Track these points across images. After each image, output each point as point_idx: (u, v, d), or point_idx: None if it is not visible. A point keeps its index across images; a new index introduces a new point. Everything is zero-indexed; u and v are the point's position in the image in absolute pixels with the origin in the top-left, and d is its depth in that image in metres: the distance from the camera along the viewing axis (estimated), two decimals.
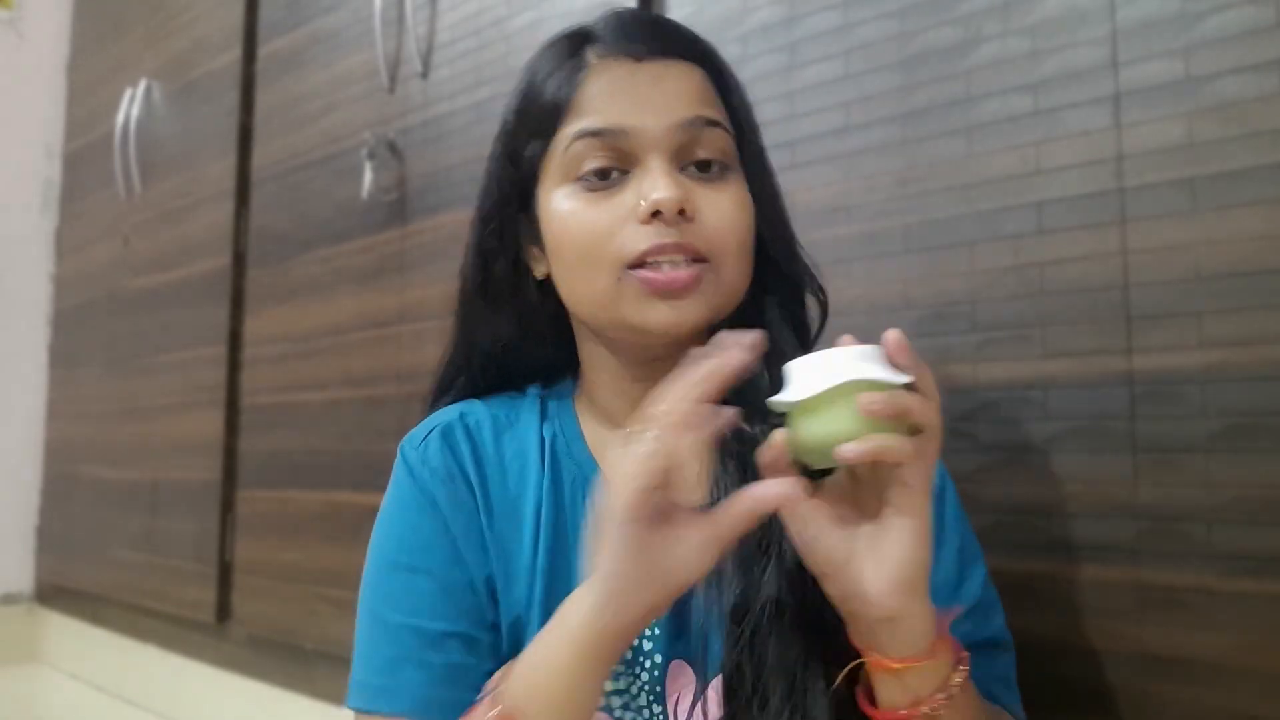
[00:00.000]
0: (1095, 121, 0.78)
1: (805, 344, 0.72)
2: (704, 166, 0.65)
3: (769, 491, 0.54)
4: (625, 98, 0.65)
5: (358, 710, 0.68)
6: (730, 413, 0.54)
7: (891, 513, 0.55)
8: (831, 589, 0.57)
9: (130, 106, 2.02)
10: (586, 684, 0.56)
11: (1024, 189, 0.82)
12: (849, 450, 0.52)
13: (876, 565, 0.54)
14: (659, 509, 0.53)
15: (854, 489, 0.57)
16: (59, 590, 2.24)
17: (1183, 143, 0.74)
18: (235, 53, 1.77)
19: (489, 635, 0.68)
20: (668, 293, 0.63)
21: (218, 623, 1.66)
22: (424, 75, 1.40)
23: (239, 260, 1.73)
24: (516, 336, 0.72)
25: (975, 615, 0.68)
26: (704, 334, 0.69)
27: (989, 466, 0.83)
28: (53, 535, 2.27)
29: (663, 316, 0.63)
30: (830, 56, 0.95)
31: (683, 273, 0.63)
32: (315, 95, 1.60)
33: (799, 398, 0.54)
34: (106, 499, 2.04)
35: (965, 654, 0.59)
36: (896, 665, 0.56)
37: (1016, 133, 0.82)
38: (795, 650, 0.61)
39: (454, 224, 1.34)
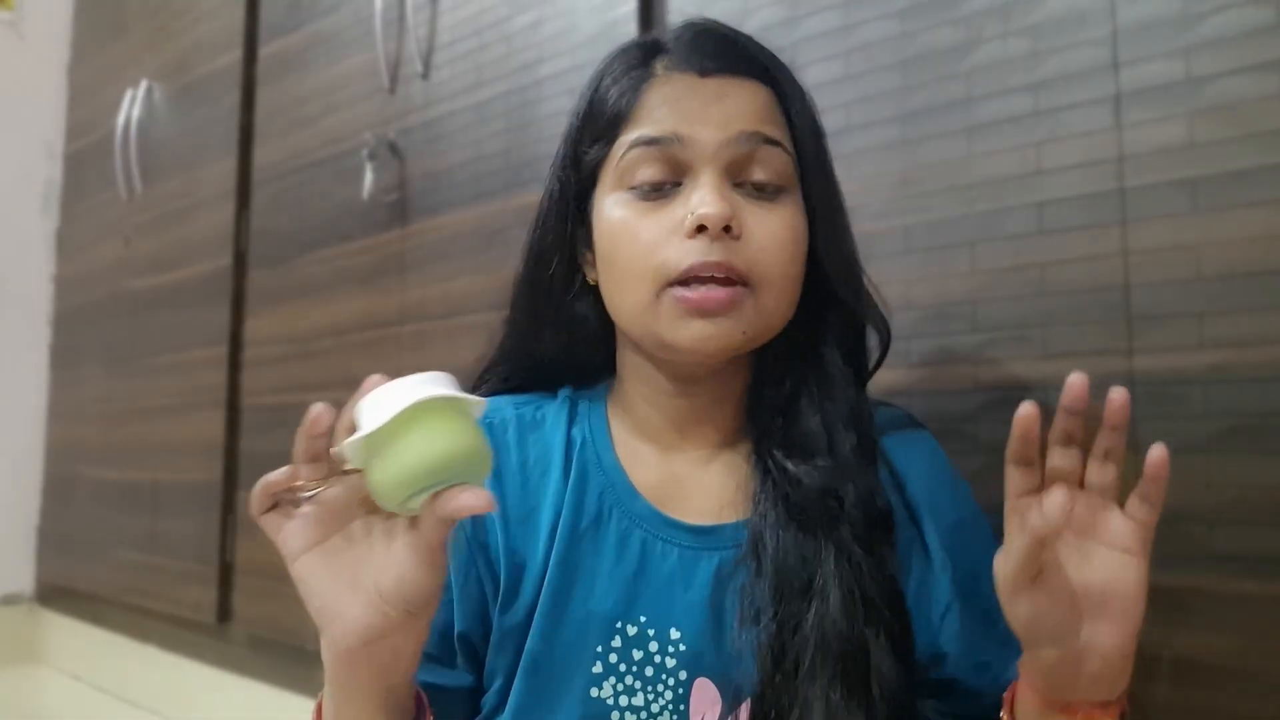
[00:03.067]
0: (1096, 122, 0.78)
1: (861, 377, 0.71)
2: (759, 187, 0.65)
3: (463, 501, 0.49)
4: (684, 109, 0.65)
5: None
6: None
7: (1114, 556, 0.54)
8: (1051, 658, 0.55)
9: (131, 107, 2.02)
10: (348, 709, 0.56)
11: (1024, 189, 0.82)
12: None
13: (1108, 621, 0.53)
14: (326, 545, 0.52)
15: (1055, 554, 0.55)
16: (59, 590, 2.24)
17: (1183, 143, 0.74)
18: (236, 54, 1.77)
19: (481, 631, 0.68)
20: (703, 311, 0.62)
21: (218, 623, 1.66)
22: (424, 76, 1.40)
23: (240, 261, 1.73)
24: (564, 340, 0.72)
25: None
26: (745, 359, 0.70)
27: (989, 466, 0.82)
28: (53, 535, 2.27)
29: (693, 334, 0.63)
30: (831, 57, 0.95)
31: (720, 293, 0.62)
32: (316, 96, 1.60)
33: (362, 435, 0.49)
34: (107, 499, 2.04)
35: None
36: (1116, 709, 0.55)
37: (1017, 133, 0.82)
38: (838, 686, 0.60)
39: (454, 225, 1.34)
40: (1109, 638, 0.53)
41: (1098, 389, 0.79)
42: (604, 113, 0.67)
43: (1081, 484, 0.55)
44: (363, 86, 1.50)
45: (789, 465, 0.66)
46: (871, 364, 0.74)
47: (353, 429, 0.50)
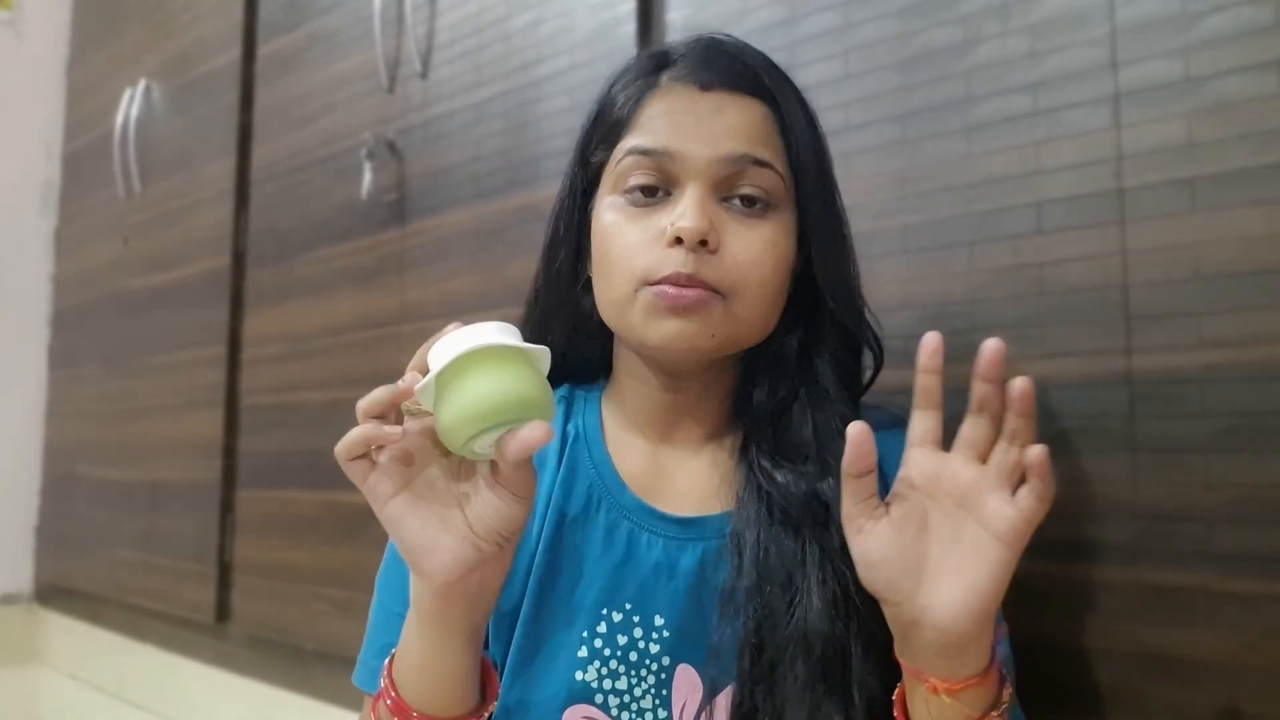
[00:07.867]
0: (1095, 121, 0.78)
1: (854, 394, 0.73)
2: (748, 202, 0.67)
3: (524, 437, 0.53)
4: (679, 122, 0.67)
5: (359, 687, 0.72)
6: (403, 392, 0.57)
7: (983, 536, 0.54)
8: (893, 613, 0.57)
9: (130, 106, 2.02)
10: (438, 650, 0.59)
11: (1024, 189, 0.82)
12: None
13: (949, 590, 0.54)
14: (411, 488, 0.57)
15: (925, 508, 0.57)
16: (59, 590, 2.24)
17: (1182, 143, 0.74)
18: (235, 53, 1.77)
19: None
20: (674, 308, 0.64)
21: (217, 623, 1.66)
22: (423, 75, 1.40)
23: (238, 260, 1.73)
24: (570, 332, 0.75)
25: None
26: (731, 360, 0.72)
27: None
28: (53, 535, 2.27)
29: (664, 332, 0.65)
30: (830, 56, 0.95)
31: (690, 292, 0.64)
32: (315, 95, 1.60)
33: (430, 377, 0.53)
34: (106, 499, 2.03)
35: (1003, 668, 0.59)
36: (958, 687, 0.56)
37: (1016, 133, 0.82)
38: (817, 685, 0.61)
39: (454, 224, 1.34)
40: (945, 611, 0.54)
41: (1097, 388, 0.79)
42: (609, 118, 0.71)
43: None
44: (361, 86, 1.50)
45: (777, 474, 0.67)
46: (865, 380, 0.75)
47: (426, 371, 0.55)
